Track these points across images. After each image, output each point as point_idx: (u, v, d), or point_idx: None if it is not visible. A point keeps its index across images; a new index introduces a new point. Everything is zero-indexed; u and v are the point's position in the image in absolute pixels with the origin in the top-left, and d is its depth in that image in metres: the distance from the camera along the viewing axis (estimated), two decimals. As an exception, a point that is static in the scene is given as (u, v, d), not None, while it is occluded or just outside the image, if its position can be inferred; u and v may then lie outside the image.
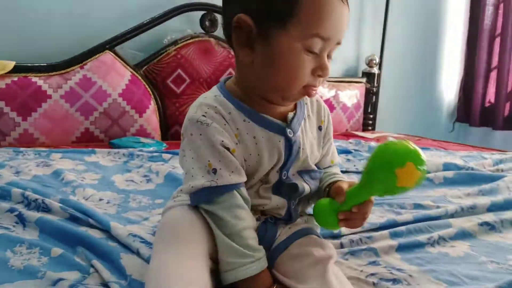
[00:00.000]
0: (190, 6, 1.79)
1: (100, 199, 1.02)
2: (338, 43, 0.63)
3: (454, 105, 2.69)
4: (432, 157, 1.50)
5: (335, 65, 2.37)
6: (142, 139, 1.61)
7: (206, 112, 0.64)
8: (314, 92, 0.65)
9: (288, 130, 0.67)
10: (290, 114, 0.68)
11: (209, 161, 0.62)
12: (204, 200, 0.64)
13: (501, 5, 2.42)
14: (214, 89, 0.69)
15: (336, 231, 0.84)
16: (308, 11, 0.58)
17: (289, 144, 0.67)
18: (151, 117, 1.71)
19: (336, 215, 0.65)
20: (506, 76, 2.39)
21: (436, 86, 2.66)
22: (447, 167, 1.33)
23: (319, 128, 0.74)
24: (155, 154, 1.42)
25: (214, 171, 0.62)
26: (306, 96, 0.67)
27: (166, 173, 1.22)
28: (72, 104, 1.56)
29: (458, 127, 2.68)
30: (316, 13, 0.58)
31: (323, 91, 2.16)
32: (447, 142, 2.02)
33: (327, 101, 2.16)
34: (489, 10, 2.45)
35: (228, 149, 0.63)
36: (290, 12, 0.58)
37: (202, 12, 1.84)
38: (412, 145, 0.56)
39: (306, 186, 0.71)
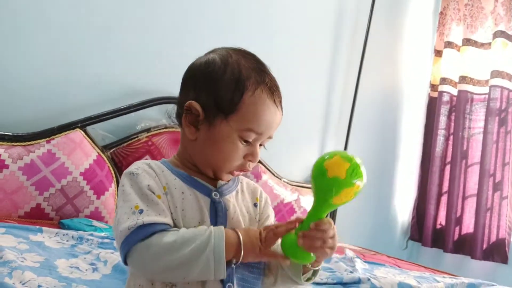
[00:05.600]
0: (168, 99, 1.87)
1: (39, 286, 0.93)
2: (270, 137, 0.76)
3: (408, 224, 2.79)
4: (387, 274, 1.51)
5: (298, 171, 2.45)
6: (95, 222, 1.54)
7: (139, 167, 0.71)
8: (237, 173, 0.75)
9: (214, 193, 0.72)
10: (221, 182, 0.74)
11: (136, 203, 0.66)
12: (132, 244, 0.63)
13: (451, 137, 2.67)
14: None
15: None
16: (247, 110, 0.71)
17: (214, 206, 0.71)
18: (108, 200, 1.66)
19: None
20: (456, 201, 2.54)
21: (392, 203, 2.77)
22: (401, 286, 1.34)
23: (255, 204, 0.78)
24: (106, 240, 1.35)
25: (141, 211, 0.65)
26: (241, 179, 0.79)
27: (115, 264, 1.15)
28: (29, 177, 1.50)
29: (411, 245, 2.74)
30: (253, 112, 0.71)
31: (286, 194, 2.19)
32: (401, 260, 2.05)
33: (288, 204, 2.19)
34: (440, 140, 2.69)
35: (153, 193, 0.68)
36: (233, 108, 0.71)
37: (178, 106, 1.91)
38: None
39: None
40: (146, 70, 1.91)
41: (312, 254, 0.67)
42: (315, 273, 0.75)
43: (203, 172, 0.74)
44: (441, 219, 2.62)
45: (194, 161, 0.74)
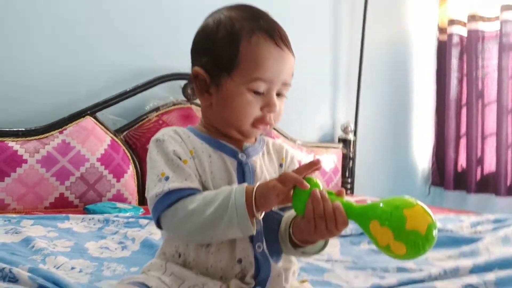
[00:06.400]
0: (173, 76, 1.85)
1: (72, 268, 0.97)
2: (285, 84, 0.72)
3: (428, 170, 2.77)
4: (411, 221, 1.51)
5: (312, 131, 2.44)
6: (119, 204, 1.57)
7: (164, 133, 0.72)
8: (263, 126, 0.72)
9: (240, 154, 0.72)
10: (247, 144, 0.74)
11: (162, 170, 0.67)
12: (160, 211, 0.65)
13: (465, 78, 2.60)
14: None
15: None
16: (247, 60, 0.69)
17: (241, 167, 0.71)
18: (128, 182, 1.68)
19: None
20: (475, 142, 2.50)
21: (409, 151, 2.75)
22: (426, 230, 1.34)
23: (280, 165, 0.77)
24: (131, 219, 1.38)
25: (166, 178, 0.66)
26: (267, 139, 0.78)
27: (143, 240, 1.18)
28: (48, 169, 1.53)
29: (433, 191, 2.73)
30: (254, 61, 0.69)
31: (302, 156, 2.19)
32: (424, 206, 2.04)
33: (305, 166, 2.19)
34: (453, 83, 2.62)
35: (179, 158, 0.68)
36: (233, 63, 0.69)
37: (184, 81, 1.90)
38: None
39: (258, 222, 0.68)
40: (148, 50, 1.89)
41: (303, 212, 0.62)
42: (310, 250, 0.70)
43: (229, 135, 0.73)
44: (462, 162, 2.60)
45: (216, 126, 0.74)
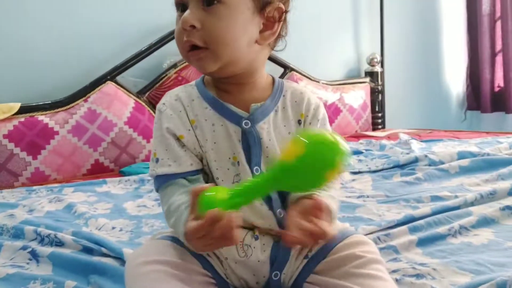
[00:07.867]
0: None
1: (113, 228, 1.01)
2: None
3: (463, 93, 2.65)
4: (445, 148, 1.47)
5: (336, 68, 2.36)
6: (152, 164, 1.61)
7: (166, 101, 0.67)
8: (192, 54, 0.62)
9: (244, 121, 0.64)
10: (254, 105, 0.65)
11: (155, 150, 0.66)
12: (156, 189, 0.68)
13: (498, -11, 2.40)
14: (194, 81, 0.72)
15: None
16: None
17: (245, 136, 0.64)
18: (158, 142, 1.71)
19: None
20: (512, 59, 2.35)
21: (442, 76, 2.62)
22: (462, 155, 1.30)
23: (298, 122, 0.67)
24: (165, 177, 1.42)
25: (157, 160, 0.65)
26: (286, 88, 0.68)
27: (177, 195, 1.22)
28: (80, 138, 1.58)
29: (470, 116, 2.63)
30: None
31: (327, 96, 2.14)
32: (459, 131, 1.98)
33: (332, 105, 2.14)
34: (485, -5, 2.43)
35: (174, 135, 0.64)
36: None
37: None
38: (334, 139, 0.51)
39: None
40: (157, 4, 1.84)
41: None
42: None
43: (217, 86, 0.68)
44: (499, 81, 2.47)
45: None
